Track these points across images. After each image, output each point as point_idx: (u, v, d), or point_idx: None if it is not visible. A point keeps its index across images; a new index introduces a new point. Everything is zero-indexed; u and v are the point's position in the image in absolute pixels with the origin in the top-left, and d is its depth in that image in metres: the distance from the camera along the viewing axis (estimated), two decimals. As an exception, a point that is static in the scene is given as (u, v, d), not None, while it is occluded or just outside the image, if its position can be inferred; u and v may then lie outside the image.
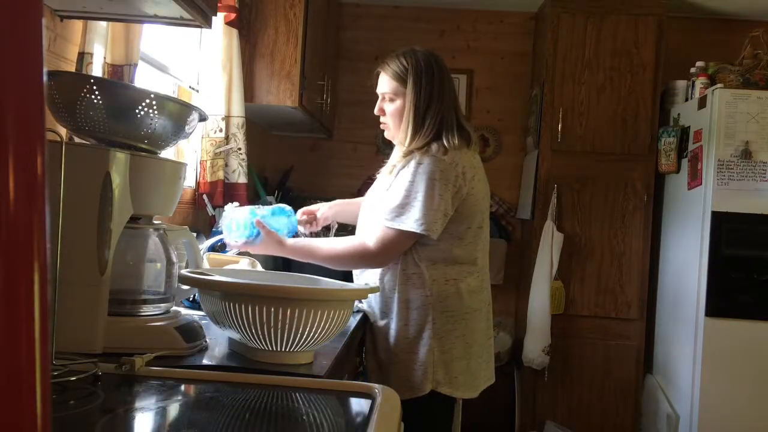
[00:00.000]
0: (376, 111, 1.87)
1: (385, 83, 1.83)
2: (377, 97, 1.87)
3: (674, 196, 3.27)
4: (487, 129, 3.80)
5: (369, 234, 1.76)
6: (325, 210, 2.06)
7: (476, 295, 1.81)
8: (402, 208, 1.71)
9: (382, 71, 1.85)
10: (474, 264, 1.80)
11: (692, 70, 3.27)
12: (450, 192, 1.71)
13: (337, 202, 2.12)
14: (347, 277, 1.96)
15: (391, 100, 1.82)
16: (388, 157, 1.92)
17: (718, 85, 2.96)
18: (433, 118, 1.76)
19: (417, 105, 1.77)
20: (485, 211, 1.85)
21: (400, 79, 1.79)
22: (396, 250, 1.74)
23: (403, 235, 1.71)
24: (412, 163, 1.73)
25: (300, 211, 2.01)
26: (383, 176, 1.88)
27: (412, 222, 1.69)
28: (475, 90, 3.83)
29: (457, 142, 1.75)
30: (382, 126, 1.89)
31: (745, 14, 3.59)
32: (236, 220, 1.76)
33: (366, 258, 1.75)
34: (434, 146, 1.74)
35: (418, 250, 1.75)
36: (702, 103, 3.00)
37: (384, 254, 1.74)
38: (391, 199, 1.74)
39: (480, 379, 1.84)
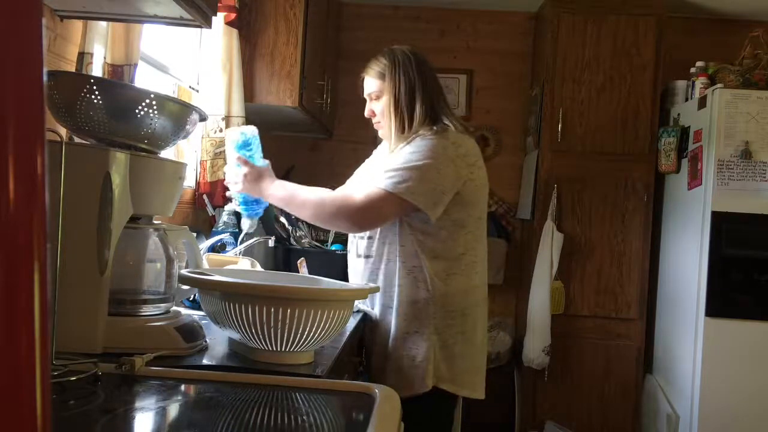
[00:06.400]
0: (366, 114, 1.89)
1: (369, 84, 1.86)
2: None
3: (674, 196, 3.27)
4: (487, 129, 3.80)
5: (358, 191, 1.73)
6: None
7: (477, 290, 1.81)
8: (396, 172, 1.67)
9: (365, 74, 1.88)
10: (475, 256, 1.79)
11: (692, 70, 3.27)
12: (452, 171, 1.69)
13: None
14: (348, 276, 1.95)
15: (378, 97, 1.84)
16: None
17: (718, 85, 2.96)
18: (422, 103, 1.77)
19: (400, 93, 1.78)
20: (485, 201, 1.84)
21: (382, 76, 1.82)
22: (381, 213, 1.69)
23: (391, 198, 1.66)
24: (417, 139, 1.72)
25: None
26: (381, 156, 1.86)
27: (404, 188, 1.66)
28: (475, 90, 3.83)
29: (459, 127, 1.76)
30: (375, 126, 1.90)
31: (745, 14, 3.59)
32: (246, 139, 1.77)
33: (347, 210, 1.69)
34: (438, 126, 1.74)
35: (421, 241, 1.73)
36: (702, 103, 3.00)
37: (368, 211, 1.68)
38: (388, 165, 1.72)
39: (484, 379, 1.84)
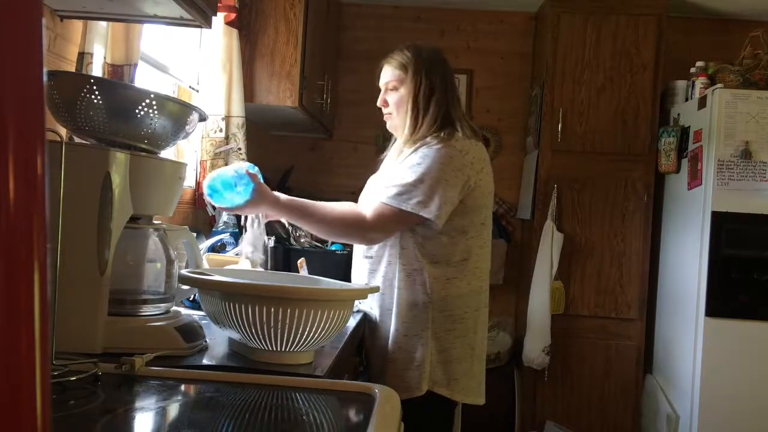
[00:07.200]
0: (379, 103, 1.87)
1: (388, 73, 1.85)
2: (377, 96, 1.88)
3: (674, 196, 3.27)
4: (487, 129, 3.80)
5: (367, 207, 1.73)
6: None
7: (477, 296, 1.80)
8: (405, 187, 1.68)
9: (386, 63, 1.86)
10: (477, 262, 1.79)
11: (692, 70, 3.27)
12: (459, 180, 1.69)
13: None
14: (348, 275, 1.95)
15: (395, 88, 1.83)
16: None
17: (718, 85, 2.96)
18: (438, 104, 1.77)
19: (420, 90, 1.78)
20: (490, 207, 1.83)
21: (404, 67, 1.81)
22: (392, 229, 1.71)
23: (401, 215, 1.68)
24: (423, 148, 1.72)
25: None
26: (389, 162, 1.86)
27: (414, 204, 1.67)
28: (475, 90, 3.83)
29: (468, 132, 1.76)
30: (385, 117, 1.88)
31: (745, 14, 3.59)
32: (223, 179, 1.62)
33: (360, 229, 1.71)
34: (445, 132, 1.74)
35: (421, 244, 1.73)
36: (702, 103, 3.00)
37: (378, 230, 1.70)
38: (395, 178, 1.71)
39: (483, 384, 1.83)
